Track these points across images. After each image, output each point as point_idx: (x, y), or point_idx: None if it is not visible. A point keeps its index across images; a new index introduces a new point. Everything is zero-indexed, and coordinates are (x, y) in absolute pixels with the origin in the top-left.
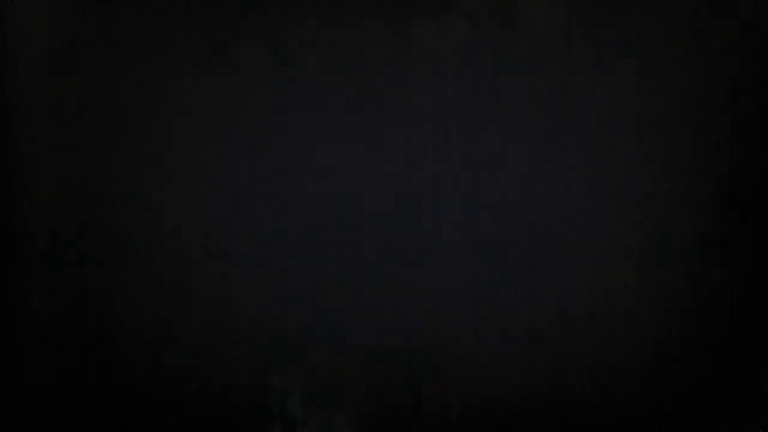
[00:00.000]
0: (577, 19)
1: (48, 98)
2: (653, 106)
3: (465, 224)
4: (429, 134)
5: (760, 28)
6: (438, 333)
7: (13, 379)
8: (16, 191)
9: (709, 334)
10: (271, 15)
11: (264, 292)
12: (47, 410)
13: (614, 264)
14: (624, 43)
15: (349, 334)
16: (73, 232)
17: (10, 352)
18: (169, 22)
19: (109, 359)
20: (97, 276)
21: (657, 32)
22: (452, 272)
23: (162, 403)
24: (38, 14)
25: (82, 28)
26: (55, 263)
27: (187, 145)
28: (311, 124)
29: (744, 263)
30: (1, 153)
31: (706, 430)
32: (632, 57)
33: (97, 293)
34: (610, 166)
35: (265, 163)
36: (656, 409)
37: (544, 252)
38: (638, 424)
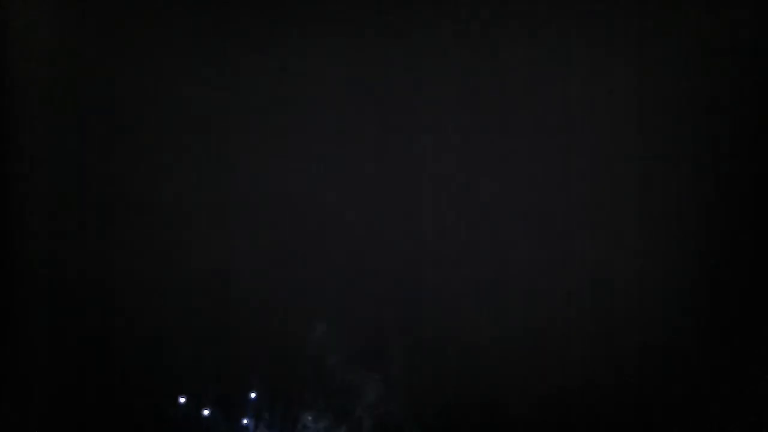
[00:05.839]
0: (577, 19)
1: (48, 98)
2: (653, 106)
3: (465, 224)
4: (429, 135)
5: (760, 28)
6: (437, 332)
7: (13, 378)
8: (16, 191)
9: (709, 334)
10: (270, 17)
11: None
12: (47, 410)
13: (614, 264)
14: (624, 43)
15: (350, 333)
16: (73, 232)
17: (10, 353)
18: (170, 23)
19: (109, 359)
20: (98, 276)
21: (657, 32)
22: (453, 271)
23: (163, 398)
24: (38, 14)
25: (82, 28)
26: (55, 263)
27: (187, 145)
28: (312, 123)
29: (744, 263)
30: (1, 153)
31: (706, 429)
32: (632, 57)
33: (97, 293)
34: (610, 166)
35: (266, 160)
36: (655, 408)
37: (544, 252)
38: (638, 422)
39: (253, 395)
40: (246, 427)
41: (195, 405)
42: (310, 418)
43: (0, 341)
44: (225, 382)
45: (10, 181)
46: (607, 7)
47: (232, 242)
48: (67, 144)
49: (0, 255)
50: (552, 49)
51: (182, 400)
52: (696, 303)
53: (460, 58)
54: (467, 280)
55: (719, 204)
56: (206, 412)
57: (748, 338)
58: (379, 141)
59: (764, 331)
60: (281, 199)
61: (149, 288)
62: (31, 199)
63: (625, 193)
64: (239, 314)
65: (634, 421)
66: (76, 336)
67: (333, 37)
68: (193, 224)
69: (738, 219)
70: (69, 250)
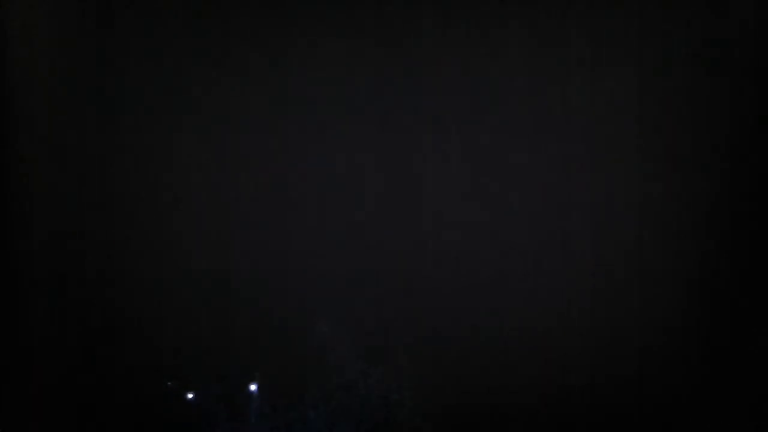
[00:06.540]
0: (577, 19)
1: (48, 98)
2: (653, 106)
3: (465, 224)
4: (430, 134)
5: (760, 28)
6: (440, 331)
7: (13, 378)
8: (16, 191)
9: (708, 334)
10: (271, 17)
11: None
12: (47, 410)
13: (614, 264)
14: (624, 43)
15: (353, 333)
16: (73, 232)
17: (11, 352)
18: (170, 23)
19: (109, 359)
20: (97, 276)
21: (657, 32)
22: (452, 272)
23: (163, 395)
24: (38, 14)
25: (82, 28)
26: (55, 263)
27: (186, 145)
28: (312, 123)
29: (744, 263)
30: (1, 153)
31: (706, 430)
32: (632, 57)
33: (98, 293)
34: (610, 166)
35: (266, 161)
36: (655, 409)
37: (544, 252)
38: (637, 422)
39: (253, 387)
40: (248, 423)
41: (197, 401)
42: (312, 413)
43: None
44: (227, 379)
45: (10, 181)
46: (607, 7)
47: (233, 240)
48: (67, 144)
49: (0, 255)
50: (552, 48)
51: (190, 396)
52: (697, 304)
53: (461, 58)
54: (469, 279)
55: (721, 204)
56: (190, 395)
57: (749, 339)
58: (379, 140)
59: (765, 331)
60: (283, 198)
61: (150, 286)
62: (31, 199)
63: (626, 194)
64: (240, 311)
65: (634, 421)
66: (76, 334)
67: (334, 36)
68: (194, 223)
69: (739, 220)
70: (69, 250)
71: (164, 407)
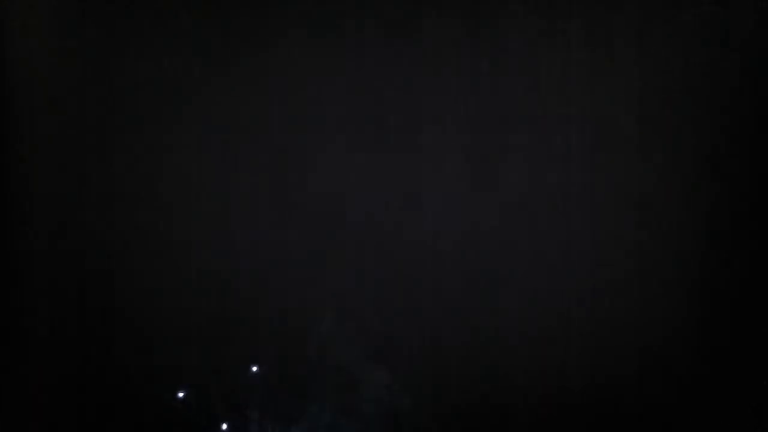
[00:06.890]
0: (578, 19)
1: (48, 98)
2: (653, 105)
3: (465, 224)
4: (430, 134)
5: (760, 28)
6: (441, 331)
7: (13, 378)
8: (16, 191)
9: (708, 334)
10: (271, 17)
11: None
12: (47, 410)
13: (614, 264)
14: (624, 43)
15: (354, 333)
16: (73, 232)
17: (11, 352)
18: (169, 23)
19: (109, 359)
20: (97, 276)
21: (657, 32)
22: (453, 271)
23: (163, 394)
24: (38, 14)
25: (82, 28)
26: (55, 263)
27: (186, 145)
28: (312, 122)
29: (744, 263)
30: (1, 153)
31: (706, 430)
32: (632, 57)
33: (98, 293)
34: (611, 165)
35: (266, 161)
36: (655, 409)
37: (544, 252)
38: (637, 422)
39: (254, 369)
40: (250, 420)
41: (198, 399)
42: (313, 413)
43: (0, 340)
44: (227, 379)
45: (10, 181)
46: (607, 6)
47: (233, 240)
48: (67, 144)
49: (0, 255)
50: (552, 48)
51: (182, 394)
52: (697, 304)
53: (461, 58)
54: (469, 279)
55: (721, 204)
56: (181, 394)
57: (749, 339)
58: (380, 140)
59: (765, 331)
60: (283, 198)
61: (150, 286)
62: (30, 198)
63: (626, 193)
64: (241, 311)
65: (634, 421)
66: (76, 334)
67: (334, 36)
68: (194, 223)
69: (739, 220)
70: (69, 250)
71: (164, 407)
